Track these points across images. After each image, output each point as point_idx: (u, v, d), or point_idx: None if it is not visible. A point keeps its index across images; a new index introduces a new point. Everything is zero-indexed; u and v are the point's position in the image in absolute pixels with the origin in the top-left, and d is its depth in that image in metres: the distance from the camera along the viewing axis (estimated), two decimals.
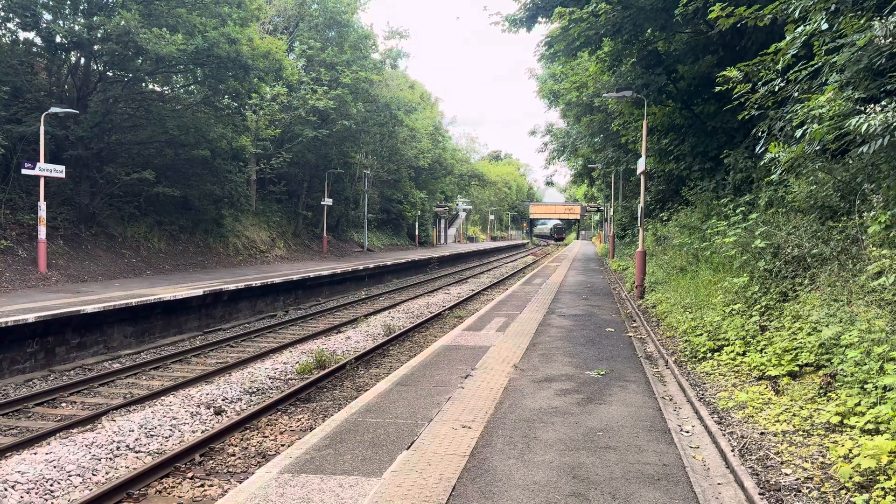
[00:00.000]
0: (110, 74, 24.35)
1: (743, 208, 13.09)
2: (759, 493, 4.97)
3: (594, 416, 7.10)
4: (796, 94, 10.25)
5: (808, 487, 5.04)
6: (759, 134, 12.24)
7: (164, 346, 15.55)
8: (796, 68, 10.14)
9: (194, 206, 28.41)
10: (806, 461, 5.47)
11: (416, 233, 63.23)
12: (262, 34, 31.35)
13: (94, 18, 21.75)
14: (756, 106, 11.36)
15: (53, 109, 19.88)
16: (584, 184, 67.76)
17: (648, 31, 18.70)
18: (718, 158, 17.97)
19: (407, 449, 6.08)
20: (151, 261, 24.69)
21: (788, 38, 10.02)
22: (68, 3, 22.37)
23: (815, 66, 9.76)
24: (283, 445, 8.31)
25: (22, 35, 23.21)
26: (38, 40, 22.98)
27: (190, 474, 7.46)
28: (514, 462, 5.72)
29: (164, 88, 27.92)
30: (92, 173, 23.68)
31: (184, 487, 7.12)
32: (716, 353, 9.46)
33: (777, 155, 10.25)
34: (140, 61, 23.51)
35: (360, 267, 29.83)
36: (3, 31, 22.54)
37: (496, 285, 30.41)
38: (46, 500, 6.80)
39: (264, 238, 34.61)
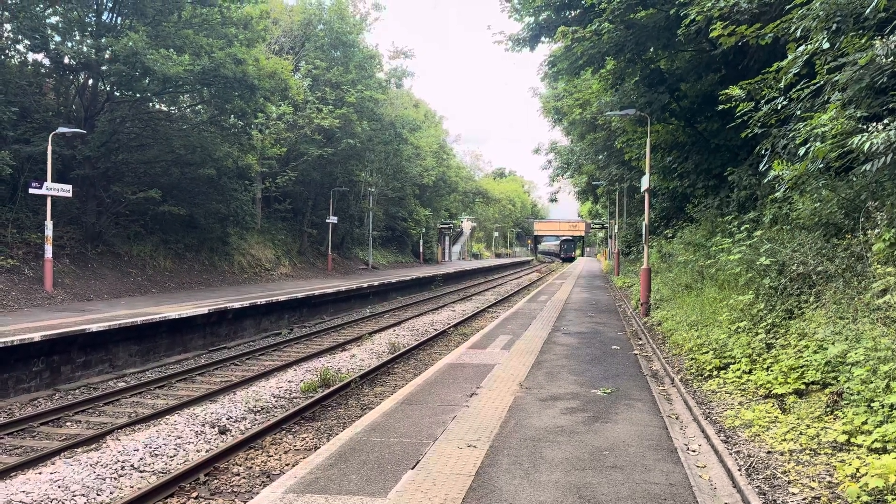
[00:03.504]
0: (118, 94, 24.59)
1: (747, 225, 13.10)
2: None
3: (600, 435, 7.07)
4: (799, 113, 10.30)
5: None
6: (763, 152, 12.27)
7: (170, 365, 15.55)
8: (798, 87, 10.20)
9: (200, 224, 28.53)
10: (813, 480, 5.44)
11: (421, 250, 63.32)
12: (268, 54, 31.66)
13: (102, 40, 22.01)
14: (759, 124, 11.41)
15: (61, 129, 20.06)
16: (588, 201, 67.87)
17: (651, 49, 18.83)
18: (722, 176, 18.00)
19: (412, 468, 6.06)
20: (157, 279, 24.76)
21: (790, 56, 10.09)
22: (77, 24, 22.67)
23: (818, 85, 9.81)
24: (287, 465, 8.29)
25: (31, 56, 23.57)
26: (46, 61, 23.29)
27: (195, 494, 7.44)
28: (519, 482, 5.70)
29: (171, 108, 28.17)
30: (98, 192, 23.84)
31: None
32: (722, 371, 9.43)
33: (781, 172, 10.29)
34: (147, 81, 23.72)
35: (365, 284, 29.86)
36: (13, 53, 22.82)
37: (501, 302, 30.37)
38: None
39: (269, 256, 34.70)
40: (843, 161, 9.24)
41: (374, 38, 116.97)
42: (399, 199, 55.12)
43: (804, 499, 5.17)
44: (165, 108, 27.84)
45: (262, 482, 7.71)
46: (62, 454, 8.81)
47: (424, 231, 63.20)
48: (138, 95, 24.57)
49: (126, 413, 11.18)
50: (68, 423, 10.63)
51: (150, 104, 26.29)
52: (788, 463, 5.91)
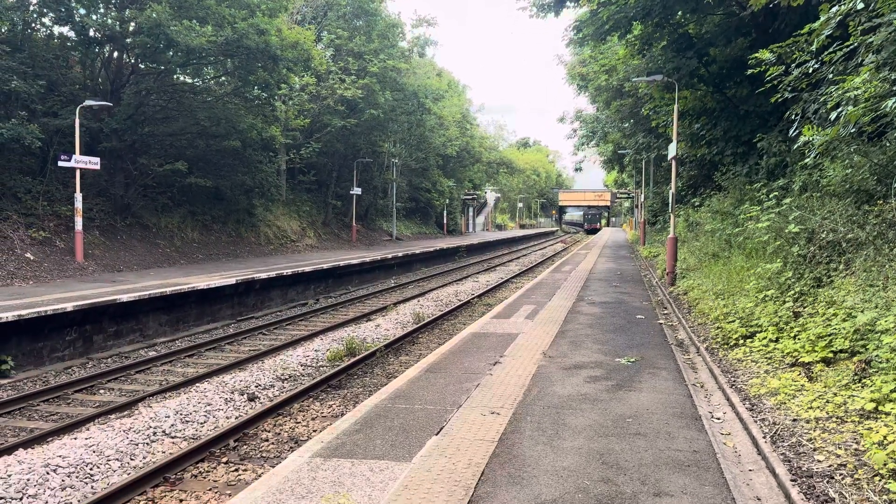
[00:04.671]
0: (142, 67, 24.72)
1: (776, 193, 12.88)
2: (791, 480, 4.93)
3: (624, 403, 7.08)
4: (831, 76, 10.04)
5: (840, 474, 4.98)
6: (793, 117, 12.00)
7: (199, 334, 15.83)
8: (831, 49, 9.91)
9: (226, 196, 28.79)
10: (839, 448, 5.40)
11: (445, 221, 63.26)
12: (290, 24, 31.52)
13: (126, 12, 22.08)
14: (789, 88, 11.14)
15: (88, 102, 20.27)
16: (614, 170, 67.08)
17: (679, 13, 18.43)
18: (751, 142, 17.67)
19: (436, 434, 6.13)
20: (185, 250, 25.11)
21: (823, 18, 9.79)
22: None
23: (851, 47, 9.53)
24: (315, 431, 8.44)
25: (57, 30, 23.72)
26: (72, 34, 23.42)
27: (224, 459, 7.63)
28: (542, 448, 5.74)
29: (195, 80, 28.24)
30: (126, 165, 24.12)
31: (218, 472, 7.28)
32: (748, 340, 9.35)
33: (811, 138, 10.06)
34: (171, 53, 23.80)
35: (389, 255, 29.98)
36: (39, 26, 23.00)
37: (525, 273, 30.34)
38: (87, 483, 7.01)
39: (294, 227, 34.96)
40: (875, 125, 9.01)
41: (395, 6, 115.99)
42: (422, 170, 55.00)
43: (830, 466, 5.14)
44: (190, 81, 27.91)
45: (290, 447, 7.88)
46: (96, 420, 9.06)
47: (448, 202, 63.07)
48: (163, 67, 24.66)
49: (157, 381, 11.44)
50: (101, 391, 10.91)
51: (175, 76, 26.37)
52: (814, 430, 5.87)
